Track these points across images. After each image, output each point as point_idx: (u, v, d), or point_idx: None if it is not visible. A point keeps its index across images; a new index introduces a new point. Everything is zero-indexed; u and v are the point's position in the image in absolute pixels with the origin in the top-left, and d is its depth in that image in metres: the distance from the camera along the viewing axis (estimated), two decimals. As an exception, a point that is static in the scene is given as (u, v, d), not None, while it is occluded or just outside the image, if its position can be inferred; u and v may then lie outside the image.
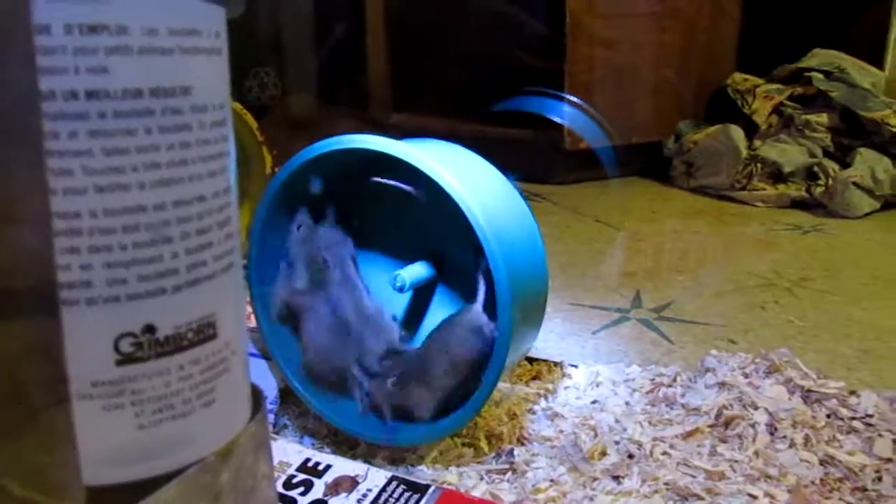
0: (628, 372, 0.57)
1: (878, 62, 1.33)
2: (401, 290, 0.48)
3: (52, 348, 0.18)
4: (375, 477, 0.38)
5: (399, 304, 0.54)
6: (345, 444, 0.49)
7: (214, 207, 0.21)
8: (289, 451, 0.41)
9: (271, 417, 0.50)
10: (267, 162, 0.86)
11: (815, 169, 1.21)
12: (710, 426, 0.48)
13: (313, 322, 0.47)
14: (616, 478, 0.43)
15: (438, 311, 0.53)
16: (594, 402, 0.52)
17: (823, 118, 1.25)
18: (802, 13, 1.46)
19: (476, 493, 0.42)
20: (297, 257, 0.47)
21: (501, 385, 0.53)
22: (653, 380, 0.55)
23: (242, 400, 0.24)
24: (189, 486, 0.21)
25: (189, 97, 0.20)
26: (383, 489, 0.37)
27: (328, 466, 0.39)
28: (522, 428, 0.49)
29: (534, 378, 0.56)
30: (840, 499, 0.42)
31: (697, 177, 1.33)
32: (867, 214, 1.15)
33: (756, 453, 0.45)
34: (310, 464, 0.40)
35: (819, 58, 1.33)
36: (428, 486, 0.38)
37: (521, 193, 0.47)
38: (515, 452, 0.46)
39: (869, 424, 0.48)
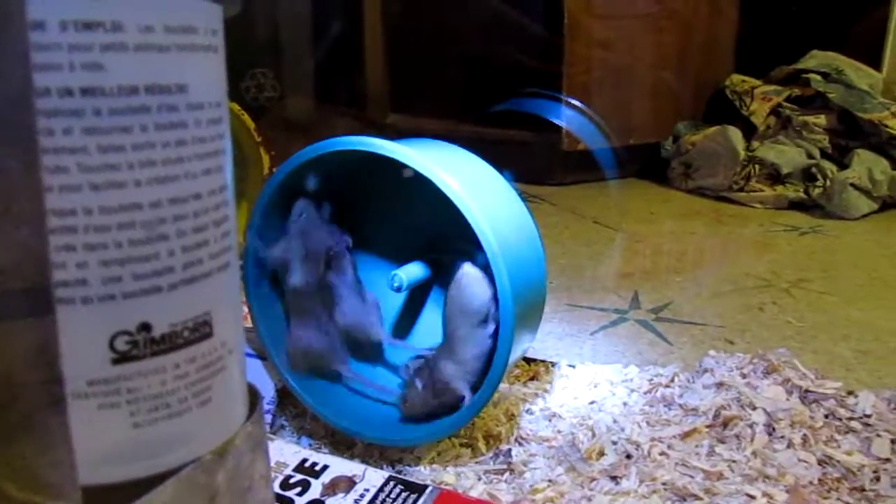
0: (626, 372, 0.57)
1: (876, 64, 1.34)
2: (398, 289, 0.48)
3: (47, 347, 0.18)
4: (373, 477, 0.38)
5: (394, 303, 0.54)
6: (342, 445, 0.49)
7: (210, 205, 0.21)
8: (286, 452, 0.41)
9: (268, 418, 0.50)
10: (265, 163, 0.86)
11: (813, 170, 1.21)
12: (709, 426, 0.48)
13: (309, 323, 0.47)
14: (614, 478, 0.43)
15: (433, 312, 0.53)
16: (592, 402, 0.52)
17: (821, 119, 1.25)
18: (800, 15, 1.46)
19: (474, 494, 0.41)
20: (294, 253, 0.46)
21: (499, 385, 0.53)
22: (651, 380, 0.55)
23: (239, 399, 0.24)
24: (185, 485, 0.21)
25: (185, 95, 0.20)
26: (381, 489, 0.37)
27: (325, 467, 0.39)
28: (520, 428, 0.48)
29: (532, 378, 0.56)
30: (838, 499, 0.41)
31: (695, 178, 1.33)
32: (865, 215, 1.15)
33: (754, 453, 0.45)
34: (307, 464, 0.40)
35: (817, 59, 1.33)
36: (426, 487, 0.38)
37: (519, 193, 0.47)
38: (513, 452, 0.46)
39: (867, 424, 0.48)
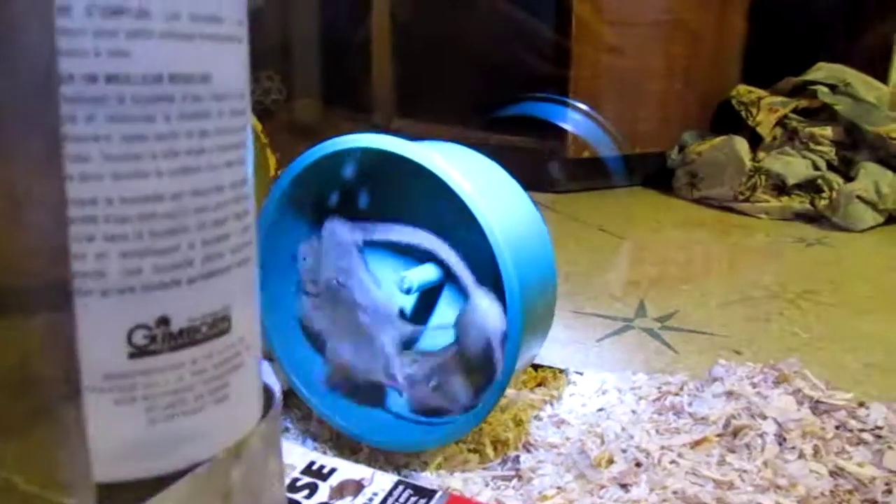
0: (634, 380, 0.56)
1: (883, 76, 1.34)
2: (408, 291, 0.47)
3: (64, 340, 0.18)
4: (381, 481, 0.38)
5: (405, 304, 0.53)
6: (347, 448, 0.48)
7: (231, 198, 0.21)
8: (293, 454, 0.41)
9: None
10: (271, 164, 0.85)
11: (819, 182, 1.21)
12: (719, 435, 0.47)
13: (334, 340, 0.47)
14: (624, 486, 0.43)
15: (445, 313, 0.52)
16: (600, 409, 0.52)
17: (828, 131, 1.25)
18: (807, 26, 1.46)
19: (481, 500, 0.41)
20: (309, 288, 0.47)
21: (507, 391, 0.53)
22: (659, 388, 0.54)
23: (254, 397, 0.23)
24: (200, 483, 0.21)
25: (209, 85, 0.19)
26: (389, 493, 0.37)
27: (333, 470, 0.39)
28: (528, 434, 0.48)
29: (539, 385, 0.56)
30: (850, 511, 0.41)
31: (701, 188, 1.33)
32: (871, 228, 1.15)
33: (765, 463, 0.44)
34: (314, 467, 0.39)
35: (824, 71, 1.33)
36: (435, 492, 0.37)
37: (531, 196, 0.47)
38: (521, 459, 0.45)
39: (878, 436, 0.47)
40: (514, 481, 0.44)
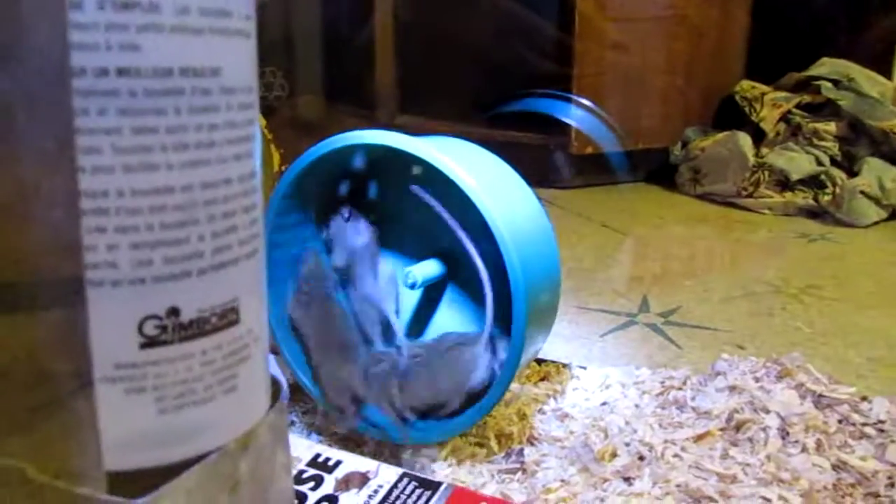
0: (637, 374, 0.57)
1: (887, 72, 1.33)
2: (412, 287, 0.48)
3: (76, 330, 0.18)
4: (386, 473, 0.38)
5: (409, 301, 0.54)
6: (352, 442, 0.48)
7: (240, 191, 0.21)
8: (298, 447, 0.41)
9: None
10: (275, 160, 0.86)
11: (823, 177, 1.21)
12: (722, 429, 0.47)
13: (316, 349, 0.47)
14: (627, 479, 0.43)
15: (448, 309, 0.53)
16: (604, 403, 0.52)
17: (831, 127, 1.25)
18: (811, 21, 1.46)
19: (486, 493, 0.41)
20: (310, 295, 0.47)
21: (511, 385, 0.53)
22: (662, 383, 0.54)
23: (262, 388, 0.24)
24: (209, 473, 0.21)
25: (218, 78, 0.20)
26: (394, 485, 0.37)
27: (338, 462, 0.39)
28: (532, 428, 0.48)
29: (542, 379, 0.56)
30: (853, 504, 0.41)
31: (704, 183, 1.33)
32: (874, 223, 1.15)
33: (768, 457, 0.44)
34: (320, 459, 0.39)
35: (828, 66, 1.33)
36: (440, 484, 0.37)
37: (534, 192, 0.47)
38: (525, 452, 0.46)
39: (881, 430, 0.48)
40: (519, 474, 0.44)
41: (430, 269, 0.49)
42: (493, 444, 0.47)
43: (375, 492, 0.37)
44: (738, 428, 0.47)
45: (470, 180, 0.40)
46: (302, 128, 1.58)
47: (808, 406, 0.49)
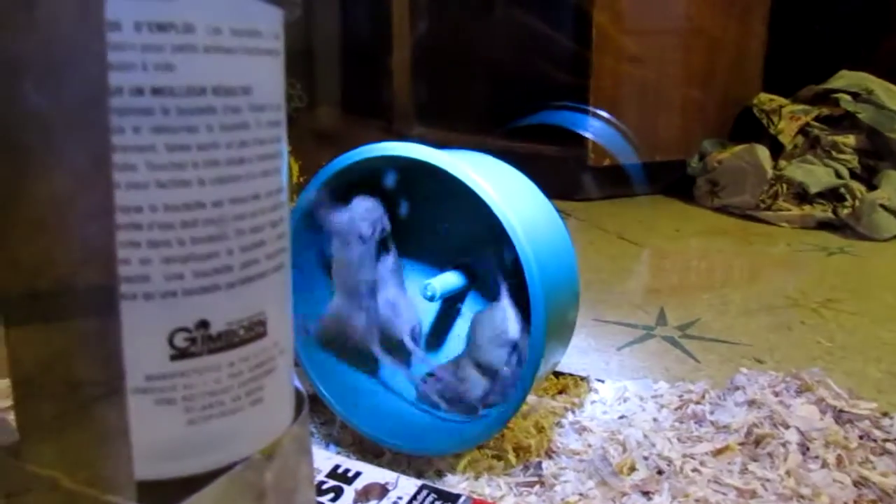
0: (656, 388, 0.56)
1: (906, 84, 1.33)
2: (431, 299, 0.48)
3: (109, 342, 0.18)
4: (406, 485, 0.38)
5: (429, 311, 0.54)
6: (370, 454, 0.49)
7: (268, 206, 0.21)
8: (318, 458, 0.41)
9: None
10: (294, 171, 0.87)
11: (842, 190, 1.20)
12: (741, 444, 0.47)
13: (352, 297, 0.47)
14: (646, 493, 0.43)
15: (466, 323, 0.53)
16: (622, 416, 0.52)
17: (850, 139, 1.25)
18: (829, 34, 1.46)
19: (504, 505, 0.41)
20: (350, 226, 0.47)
21: (528, 398, 0.53)
22: (681, 396, 0.54)
23: (287, 400, 0.24)
24: (235, 483, 0.21)
25: (249, 97, 0.20)
26: (414, 497, 0.37)
27: (358, 473, 0.39)
28: (550, 441, 0.48)
29: (560, 392, 0.56)
30: (874, 521, 0.41)
31: (722, 196, 1.33)
32: (894, 237, 1.14)
33: (788, 472, 0.44)
34: (339, 470, 0.40)
35: (846, 79, 1.32)
36: (459, 496, 0.38)
37: (554, 205, 0.47)
38: (543, 465, 0.46)
39: (903, 447, 0.47)
40: (537, 487, 0.44)
41: (449, 280, 0.49)
42: (511, 456, 0.47)
43: (395, 503, 0.37)
44: (757, 443, 0.47)
45: (490, 191, 0.40)
46: (320, 139, 1.59)
47: (828, 421, 0.49)
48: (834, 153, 1.25)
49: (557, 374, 0.58)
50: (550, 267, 0.42)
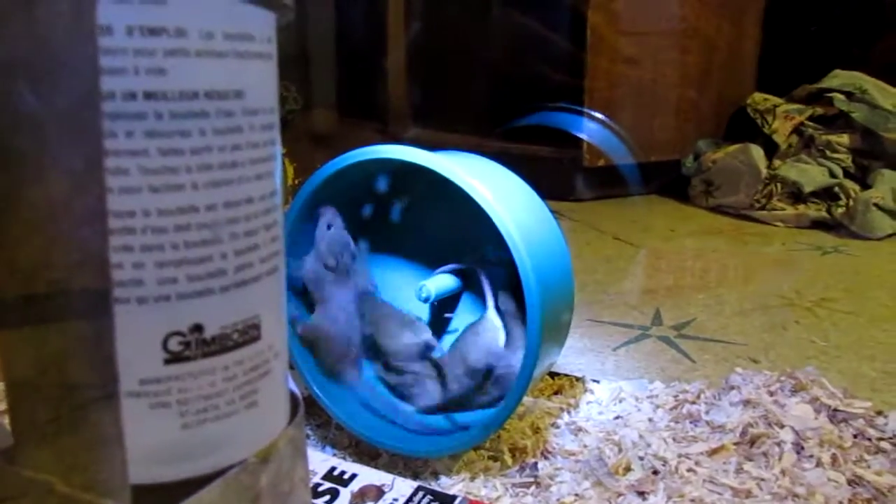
0: (651, 388, 0.57)
1: (900, 83, 1.33)
2: (426, 300, 0.48)
3: (103, 346, 0.18)
4: (402, 487, 0.38)
5: (423, 312, 0.54)
6: (366, 455, 0.49)
7: (261, 210, 0.21)
8: (314, 460, 0.41)
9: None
10: (289, 173, 0.87)
11: (836, 189, 1.20)
12: (736, 444, 0.47)
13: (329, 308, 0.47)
14: (641, 493, 0.43)
15: (462, 321, 0.53)
16: (617, 417, 0.52)
17: (844, 139, 1.25)
18: (823, 34, 1.46)
19: (500, 506, 0.41)
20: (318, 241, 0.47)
21: (524, 399, 0.53)
22: (676, 396, 0.54)
23: (282, 403, 0.24)
24: (230, 487, 0.21)
25: (241, 101, 0.20)
26: (410, 499, 0.37)
27: (354, 475, 0.39)
28: (546, 442, 0.48)
29: (556, 392, 0.56)
30: (869, 519, 0.41)
31: (716, 196, 1.33)
32: (888, 236, 1.14)
33: (783, 472, 0.44)
34: (335, 472, 0.40)
35: (840, 78, 1.32)
36: (454, 497, 0.38)
37: (548, 206, 0.47)
38: (539, 466, 0.46)
39: (897, 445, 0.47)
40: (533, 488, 0.44)
41: (443, 282, 0.49)
42: (507, 457, 0.47)
43: (391, 505, 0.37)
44: (752, 442, 0.47)
45: (486, 194, 0.40)
46: (315, 141, 1.59)
47: (823, 420, 0.49)
48: (828, 152, 1.25)
49: (553, 375, 0.58)
50: (545, 268, 0.42)
